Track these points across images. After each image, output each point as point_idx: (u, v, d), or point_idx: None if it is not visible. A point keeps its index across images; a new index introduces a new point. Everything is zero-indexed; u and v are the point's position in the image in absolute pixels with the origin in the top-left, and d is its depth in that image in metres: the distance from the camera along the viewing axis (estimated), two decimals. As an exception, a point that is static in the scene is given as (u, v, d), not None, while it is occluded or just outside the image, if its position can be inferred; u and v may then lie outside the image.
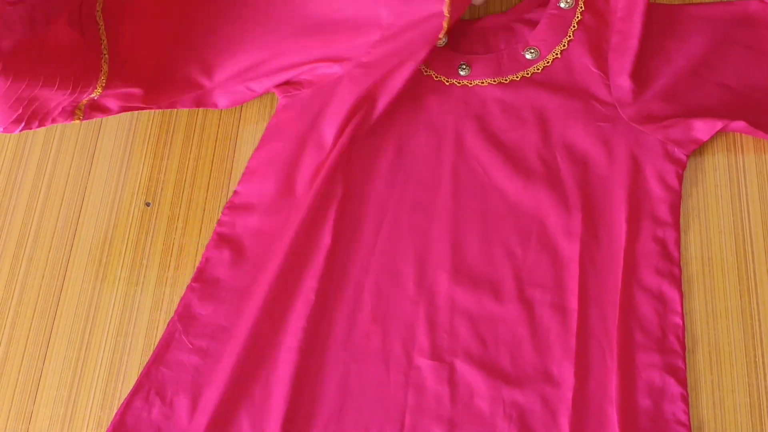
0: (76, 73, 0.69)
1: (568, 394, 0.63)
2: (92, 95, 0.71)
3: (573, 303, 0.66)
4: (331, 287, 0.69)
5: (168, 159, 0.78)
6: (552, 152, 0.72)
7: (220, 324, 0.68)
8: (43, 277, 0.74)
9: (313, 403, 0.65)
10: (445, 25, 0.72)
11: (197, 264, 0.71)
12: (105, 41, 0.70)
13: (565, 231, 0.69)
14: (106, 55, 0.71)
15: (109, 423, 0.65)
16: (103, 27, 0.70)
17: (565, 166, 0.71)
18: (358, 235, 0.71)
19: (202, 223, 0.75)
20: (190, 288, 0.70)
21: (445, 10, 0.71)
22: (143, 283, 0.73)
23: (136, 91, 0.73)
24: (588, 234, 0.68)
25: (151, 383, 0.67)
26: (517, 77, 0.75)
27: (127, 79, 0.72)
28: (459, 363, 0.65)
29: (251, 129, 0.79)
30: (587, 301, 0.66)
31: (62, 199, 0.77)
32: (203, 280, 0.70)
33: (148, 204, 0.76)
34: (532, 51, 0.75)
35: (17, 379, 0.70)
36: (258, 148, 0.75)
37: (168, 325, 0.69)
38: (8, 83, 0.64)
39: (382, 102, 0.73)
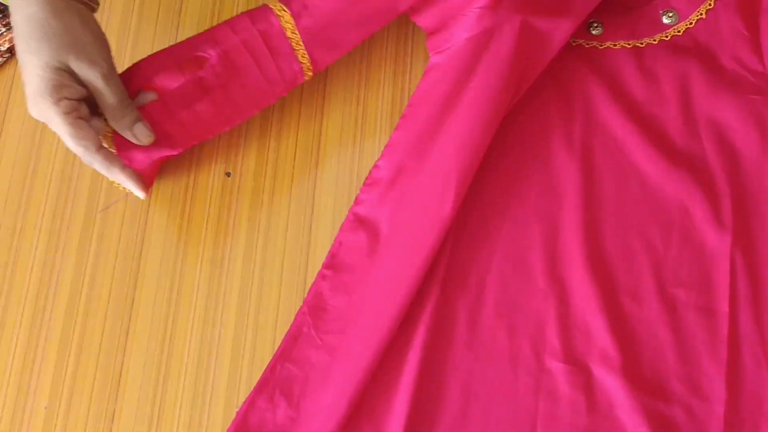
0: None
1: (719, 409, 0.57)
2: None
3: (723, 305, 0.59)
4: (454, 278, 0.61)
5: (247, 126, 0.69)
6: (695, 129, 0.63)
7: (352, 319, 0.61)
8: (116, 258, 0.66)
9: (435, 409, 0.59)
10: None
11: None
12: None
13: (713, 222, 0.61)
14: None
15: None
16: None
17: (711, 145, 0.63)
18: (481, 218, 0.63)
19: (290, 195, 0.67)
20: (321, 275, 0.63)
21: None
22: (229, 262, 0.65)
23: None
24: (739, 226, 0.61)
25: (276, 381, 0.60)
26: (654, 40, 0.66)
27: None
28: (596, 368, 0.59)
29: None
30: (739, 303, 0.59)
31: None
32: (335, 267, 0.63)
33: (228, 174, 0.67)
34: (671, 15, 0.66)
35: (95, 375, 0.63)
36: (403, 116, 0.66)
37: (296, 317, 0.62)
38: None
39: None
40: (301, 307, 0.62)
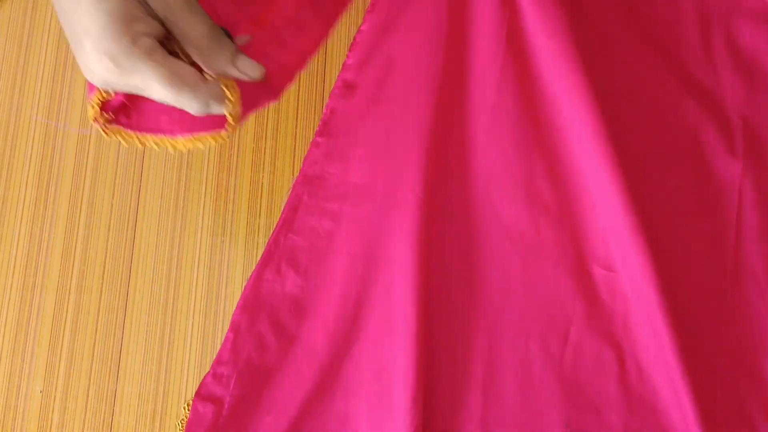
0: None
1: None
2: None
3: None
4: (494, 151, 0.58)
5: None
6: (711, 55, 0.61)
7: (353, 182, 0.58)
8: (109, 230, 0.62)
9: (473, 296, 0.56)
10: None
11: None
12: None
13: (723, 151, 0.59)
14: None
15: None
16: None
17: (728, 74, 0.60)
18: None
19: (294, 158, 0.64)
20: (314, 143, 0.60)
21: None
22: (232, 226, 0.62)
23: None
24: (751, 159, 0.58)
25: (281, 253, 0.57)
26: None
27: None
28: (629, 276, 0.55)
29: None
30: (744, 234, 0.57)
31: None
32: (329, 134, 0.60)
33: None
34: None
35: (93, 354, 0.59)
36: None
37: (292, 188, 0.59)
38: None
39: None
40: (297, 177, 0.60)
